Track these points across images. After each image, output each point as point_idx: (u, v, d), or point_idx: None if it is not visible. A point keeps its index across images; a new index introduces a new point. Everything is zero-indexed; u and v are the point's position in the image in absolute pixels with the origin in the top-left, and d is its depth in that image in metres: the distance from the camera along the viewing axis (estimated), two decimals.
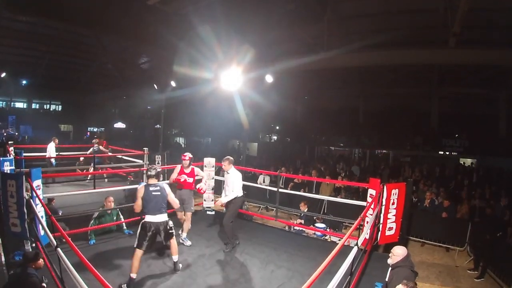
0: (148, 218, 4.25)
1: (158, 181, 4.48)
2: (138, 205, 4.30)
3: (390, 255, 3.72)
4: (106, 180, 10.32)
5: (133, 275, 4.02)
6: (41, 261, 3.74)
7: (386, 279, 3.69)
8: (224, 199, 5.47)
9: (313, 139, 21.48)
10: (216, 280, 4.38)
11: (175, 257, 4.55)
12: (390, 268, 3.70)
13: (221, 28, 9.92)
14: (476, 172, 13.57)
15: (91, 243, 5.39)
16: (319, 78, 18.78)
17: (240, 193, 5.49)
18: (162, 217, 4.32)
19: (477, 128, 16.35)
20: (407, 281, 3.15)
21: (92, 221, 5.81)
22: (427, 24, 11.11)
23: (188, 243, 5.49)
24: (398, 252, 3.66)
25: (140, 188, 4.36)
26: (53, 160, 10.19)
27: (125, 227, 6.08)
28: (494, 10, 9.64)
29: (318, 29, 11.66)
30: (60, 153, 10.82)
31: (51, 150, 10.11)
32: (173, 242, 4.53)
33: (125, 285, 3.96)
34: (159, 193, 4.34)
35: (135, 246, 4.16)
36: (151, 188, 4.32)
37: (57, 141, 10.45)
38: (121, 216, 6.27)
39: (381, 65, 14.38)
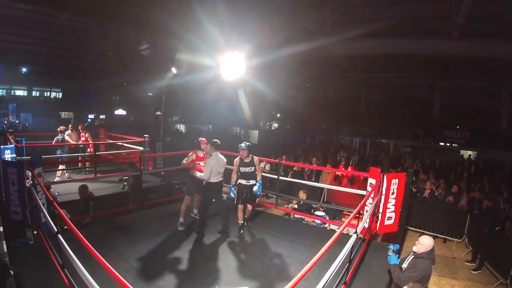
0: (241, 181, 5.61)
1: None
2: None
3: (416, 243, 3.59)
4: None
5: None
6: None
7: (405, 265, 3.63)
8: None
9: (314, 128, 21.46)
10: (216, 266, 4.43)
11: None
12: (412, 255, 3.63)
13: (223, 14, 9.80)
14: (476, 165, 13.58)
15: None
16: (321, 66, 18.63)
17: (208, 179, 5.31)
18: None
19: (478, 120, 16.31)
20: (413, 283, 3.17)
21: None
22: (431, 14, 10.97)
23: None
24: (425, 242, 3.54)
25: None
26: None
27: None
28: (499, 3, 9.51)
29: (321, 17, 11.51)
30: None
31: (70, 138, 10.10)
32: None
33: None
34: None
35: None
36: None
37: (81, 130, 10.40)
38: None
39: (384, 54, 14.26)
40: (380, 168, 5.90)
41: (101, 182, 8.48)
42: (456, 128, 16.25)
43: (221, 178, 5.47)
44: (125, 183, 8.36)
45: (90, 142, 10.36)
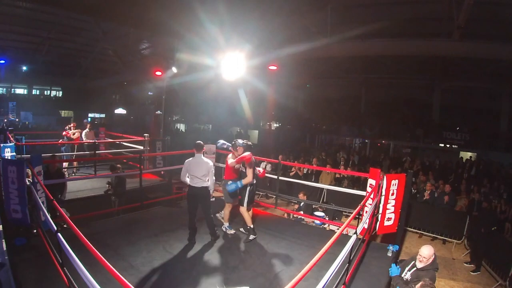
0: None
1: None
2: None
3: (420, 259, 3.49)
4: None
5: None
6: None
7: (408, 276, 3.54)
8: None
9: (314, 128, 21.47)
10: (215, 266, 4.43)
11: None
12: (414, 268, 3.55)
13: (223, 14, 9.80)
14: (476, 166, 13.58)
15: None
16: (322, 66, 18.65)
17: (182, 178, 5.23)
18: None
19: (478, 122, 16.31)
20: (426, 279, 3.12)
21: None
22: (431, 15, 11.00)
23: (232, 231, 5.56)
24: (427, 254, 3.45)
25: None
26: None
27: None
28: (499, 4, 9.54)
29: (321, 17, 11.51)
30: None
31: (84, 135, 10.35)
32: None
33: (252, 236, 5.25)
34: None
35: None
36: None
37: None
38: None
39: (384, 54, 14.27)
40: (380, 169, 5.89)
41: (100, 182, 8.46)
42: (456, 130, 16.26)
43: (203, 184, 4.99)
44: (109, 185, 7.59)
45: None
